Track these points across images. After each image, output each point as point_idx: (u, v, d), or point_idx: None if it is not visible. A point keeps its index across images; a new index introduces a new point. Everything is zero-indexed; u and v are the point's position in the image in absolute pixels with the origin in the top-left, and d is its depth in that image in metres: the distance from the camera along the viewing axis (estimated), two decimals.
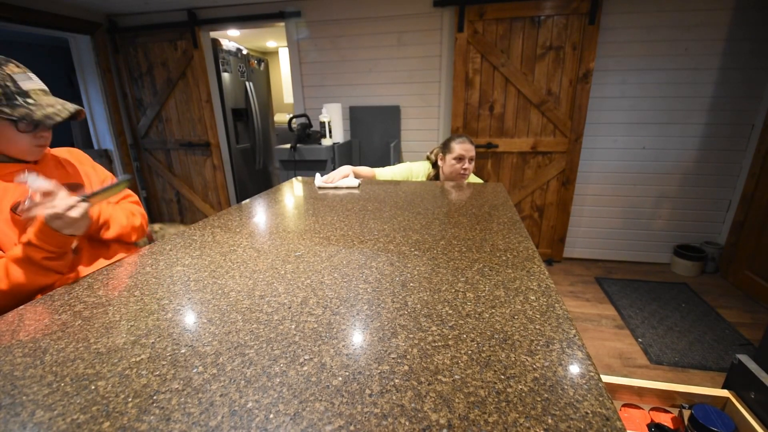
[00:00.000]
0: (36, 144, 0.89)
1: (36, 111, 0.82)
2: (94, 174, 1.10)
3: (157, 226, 1.56)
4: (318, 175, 1.64)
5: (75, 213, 0.78)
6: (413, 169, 1.92)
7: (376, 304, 0.64)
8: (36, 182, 0.77)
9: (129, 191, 1.18)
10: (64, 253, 0.84)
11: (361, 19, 2.84)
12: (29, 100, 0.82)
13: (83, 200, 0.81)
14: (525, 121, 2.76)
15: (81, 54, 3.30)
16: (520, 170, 2.90)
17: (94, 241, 1.00)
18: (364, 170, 1.80)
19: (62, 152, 1.07)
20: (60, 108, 0.85)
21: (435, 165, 1.90)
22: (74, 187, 1.00)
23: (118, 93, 3.49)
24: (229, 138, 3.64)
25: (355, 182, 1.57)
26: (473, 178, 1.88)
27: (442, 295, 0.67)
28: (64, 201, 0.78)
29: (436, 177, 1.89)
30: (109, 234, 0.99)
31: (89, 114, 3.48)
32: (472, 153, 1.79)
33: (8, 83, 0.81)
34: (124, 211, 1.06)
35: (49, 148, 1.03)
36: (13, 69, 0.83)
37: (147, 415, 0.42)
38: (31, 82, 0.85)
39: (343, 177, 1.60)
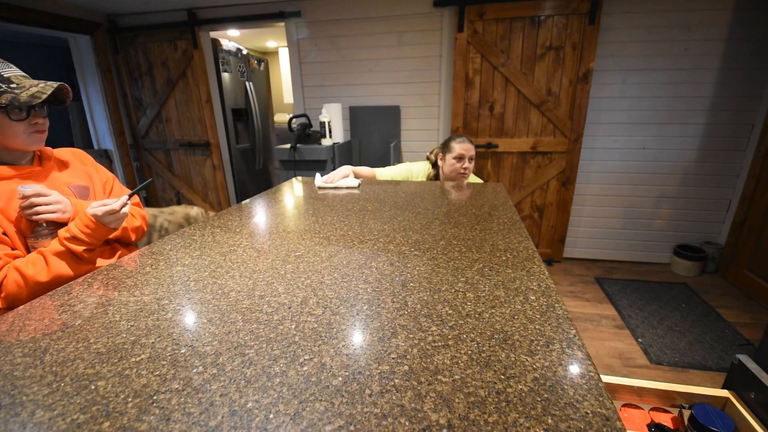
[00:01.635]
0: (32, 131, 0.89)
1: (21, 93, 0.83)
2: (97, 174, 1.11)
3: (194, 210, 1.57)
4: (318, 175, 1.64)
5: (126, 209, 0.94)
6: (413, 169, 1.92)
7: (376, 304, 0.64)
8: (27, 188, 0.87)
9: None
10: (98, 245, 0.95)
11: (361, 19, 2.84)
12: (12, 85, 0.84)
13: (129, 198, 0.96)
14: (525, 121, 2.76)
15: (81, 54, 3.30)
16: (520, 170, 2.90)
17: None
18: (364, 170, 1.80)
19: (65, 153, 1.08)
20: (43, 86, 0.86)
21: (435, 165, 1.91)
22: (78, 189, 1.02)
23: (118, 93, 3.49)
24: (229, 138, 3.64)
25: (355, 182, 1.57)
26: (473, 178, 1.88)
27: (442, 295, 0.67)
28: (118, 200, 0.92)
29: (437, 177, 1.89)
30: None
31: (89, 114, 3.48)
32: (472, 152, 1.79)
33: None
34: None
35: (52, 149, 1.04)
36: None
37: (147, 415, 0.42)
38: (13, 69, 0.87)
39: (343, 177, 1.60)
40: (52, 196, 0.89)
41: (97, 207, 0.89)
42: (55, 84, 0.87)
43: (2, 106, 0.82)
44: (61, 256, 0.87)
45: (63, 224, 0.92)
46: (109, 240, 1.03)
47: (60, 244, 0.87)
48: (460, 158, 1.78)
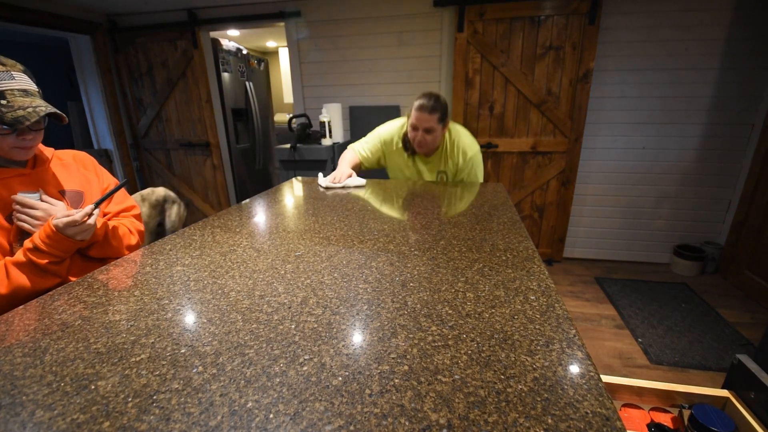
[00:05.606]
0: (18, 146, 0.86)
1: (6, 113, 0.80)
2: (96, 179, 1.08)
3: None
4: (320, 175, 1.64)
5: (91, 220, 0.87)
6: (384, 139, 1.74)
7: (376, 304, 0.64)
8: (22, 197, 0.86)
9: (134, 203, 1.15)
10: (66, 258, 0.89)
11: (361, 19, 2.84)
12: (2, 101, 0.80)
13: (95, 207, 0.89)
14: (525, 121, 2.76)
15: (81, 54, 3.29)
16: (520, 170, 2.90)
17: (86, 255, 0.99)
18: (352, 161, 1.73)
19: (66, 155, 1.05)
20: (30, 110, 0.82)
21: None
22: (71, 194, 0.99)
23: (118, 93, 3.48)
24: (229, 138, 3.64)
25: (362, 181, 1.57)
26: (469, 143, 1.65)
27: (442, 295, 0.67)
28: (81, 210, 0.86)
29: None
30: (96, 253, 0.98)
31: (89, 114, 3.48)
32: (428, 124, 1.51)
33: None
34: (120, 231, 1.04)
35: (53, 150, 1.02)
36: None
37: (147, 415, 0.42)
38: (12, 82, 0.83)
39: (348, 177, 1.59)
40: (36, 210, 0.86)
41: (60, 217, 0.84)
42: (45, 111, 0.84)
43: None
44: (23, 267, 0.83)
45: None
46: (104, 259, 1.00)
47: (23, 255, 0.83)
48: (414, 128, 1.55)
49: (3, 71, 0.82)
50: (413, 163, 1.73)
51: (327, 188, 1.55)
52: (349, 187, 1.54)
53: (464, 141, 1.66)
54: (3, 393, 0.46)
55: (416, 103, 1.52)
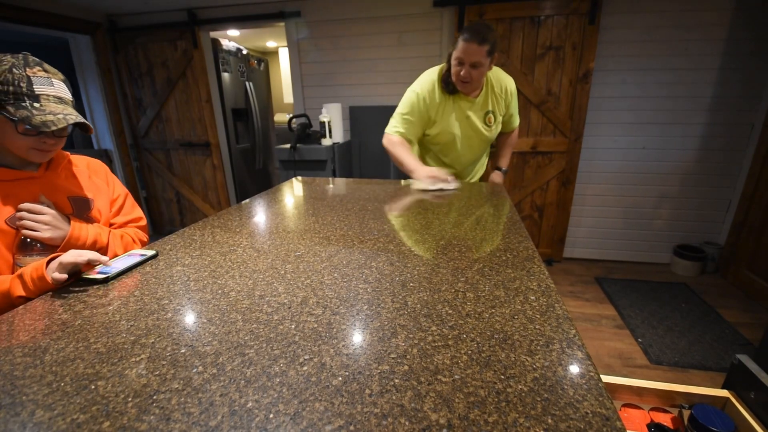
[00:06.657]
0: (36, 148, 0.86)
1: (36, 116, 0.80)
2: (106, 188, 1.07)
3: None
4: (424, 179, 1.50)
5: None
6: (425, 93, 1.56)
7: (376, 304, 0.64)
8: (29, 204, 0.84)
9: (141, 215, 1.14)
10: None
11: (361, 19, 2.84)
12: (36, 104, 0.81)
13: (110, 277, 0.78)
14: (525, 121, 2.76)
15: (81, 54, 3.29)
16: (519, 170, 2.90)
17: None
18: (410, 155, 1.56)
19: (81, 161, 1.05)
20: (60, 117, 0.82)
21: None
22: (79, 201, 0.98)
23: (118, 93, 3.48)
24: (229, 138, 3.64)
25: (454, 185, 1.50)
26: (506, 75, 1.59)
27: (442, 295, 0.67)
28: (102, 260, 0.78)
29: (449, 72, 1.51)
30: None
31: (89, 114, 3.48)
32: (476, 58, 1.36)
33: (22, 84, 0.79)
34: (124, 240, 1.03)
35: (69, 154, 1.02)
36: (37, 71, 0.82)
37: (147, 415, 0.42)
38: (50, 88, 0.84)
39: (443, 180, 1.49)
40: (43, 216, 0.85)
41: (72, 255, 0.76)
42: (74, 119, 0.84)
43: (14, 120, 0.79)
44: (2, 296, 0.76)
45: (56, 247, 0.85)
46: None
47: (10, 281, 0.76)
48: (459, 62, 1.41)
49: (45, 77, 0.83)
50: (458, 106, 1.57)
51: (442, 189, 1.46)
52: (447, 190, 1.46)
53: (502, 74, 1.62)
54: (3, 393, 0.46)
55: (463, 35, 1.38)
